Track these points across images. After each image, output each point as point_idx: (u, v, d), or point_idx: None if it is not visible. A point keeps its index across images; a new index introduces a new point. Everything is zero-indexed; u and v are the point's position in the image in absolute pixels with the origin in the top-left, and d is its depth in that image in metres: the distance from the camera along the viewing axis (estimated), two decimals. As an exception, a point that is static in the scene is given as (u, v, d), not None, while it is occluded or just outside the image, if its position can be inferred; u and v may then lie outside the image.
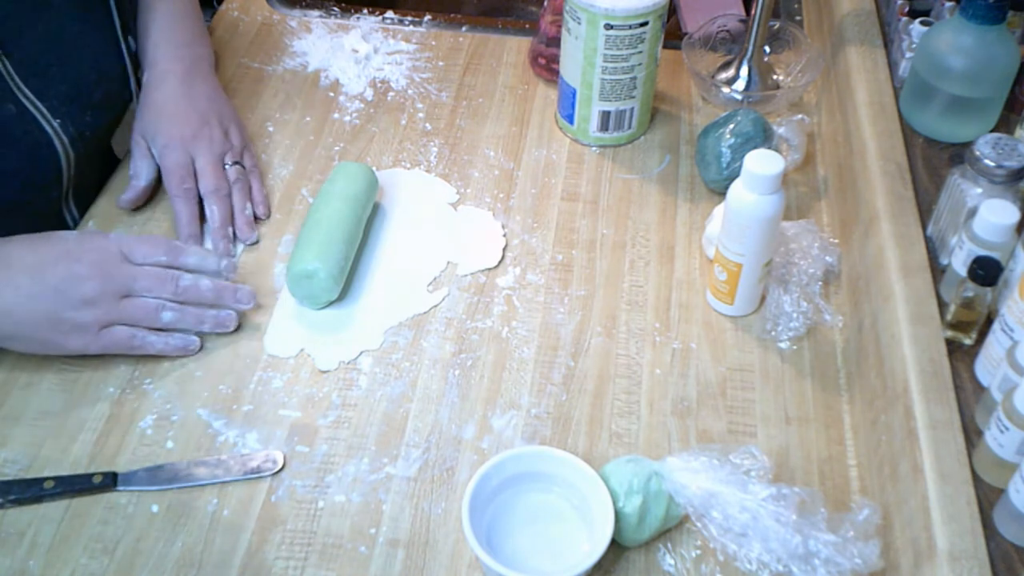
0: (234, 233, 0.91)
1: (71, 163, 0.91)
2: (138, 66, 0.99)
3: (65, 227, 0.93)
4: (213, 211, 0.90)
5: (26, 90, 0.85)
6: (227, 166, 0.93)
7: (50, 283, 0.75)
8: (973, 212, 0.73)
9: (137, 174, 0.92)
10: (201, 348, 0.82)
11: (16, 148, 0.86)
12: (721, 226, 0.82)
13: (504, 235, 0.93)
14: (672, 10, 1.20)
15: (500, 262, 0.90)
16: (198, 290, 0.81)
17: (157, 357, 0.81)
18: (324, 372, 0.81)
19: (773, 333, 0.84)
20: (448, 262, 0.90)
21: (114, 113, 0.98)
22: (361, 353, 0.82)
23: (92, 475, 0.73)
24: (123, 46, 0.96)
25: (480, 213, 0.95)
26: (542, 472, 0.71)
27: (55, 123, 0.88)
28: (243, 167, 0.94)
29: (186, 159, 0.91)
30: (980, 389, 0.70)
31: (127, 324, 0.79)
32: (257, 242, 0.91)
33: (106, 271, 0.77)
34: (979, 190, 0.75)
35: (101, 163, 0.98)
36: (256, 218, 0.93)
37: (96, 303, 0.76)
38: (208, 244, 0.90)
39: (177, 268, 0.81)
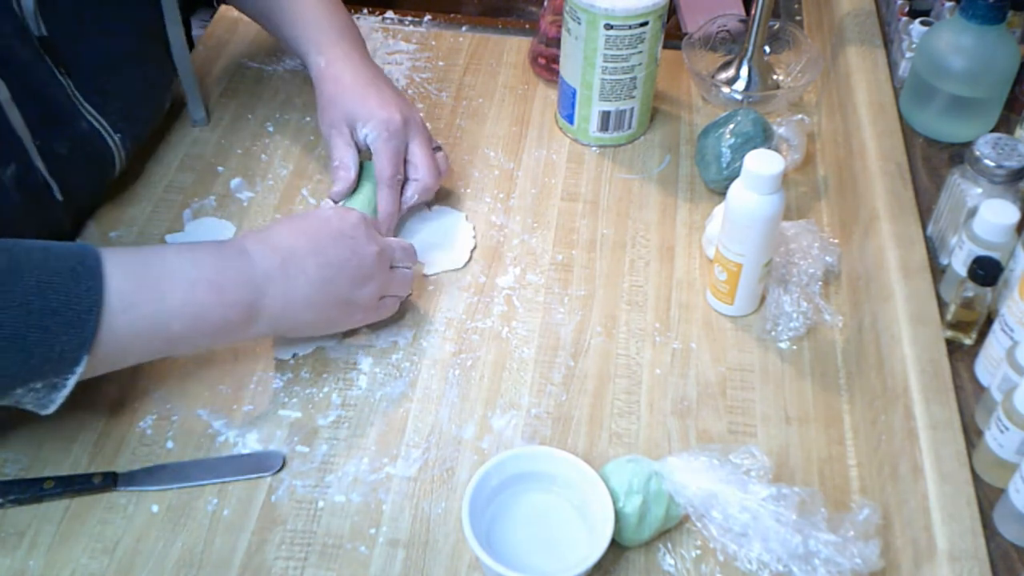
0: None
1: (120, 175, 0.93)
2: (176, 72, 0.99)
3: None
4: (414, 198, 0.90)
5: (89, 107, 0.85)
6: (438, 153, 0.93)
7: (336, 264, 0.75)
8: (973, 212, 0.73)
9: (345, 164, 0.89)
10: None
11: (90, 165, 0.88)
12: (721, 226, 0.82)
13: (474, 237, 0.93)
14: (672, 10, 1.20)
15: (467, 263, 0.90)
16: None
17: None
18: (280, 361, 0.81)
19: (773, 333, 0.84)
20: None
21: (157, 122, 0.99)
22: (315, 348, 0.82)
23: (92, 475, 0.73)
24: (170, 55, 0.97)
25: (453, 214, 0.95)
26: (542, 472, 0.71)
27: (116, 137, 0.89)
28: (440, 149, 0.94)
29: (402, 146, 0.90)
30: (980, 389, 0.70)
31: (392, 295, 0.81)
32: None
33: (378, 241, 0.78)
34: (979, 190, 0.75)
35: None
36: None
37: (375, 277, 0.78)
38: None
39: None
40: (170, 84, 0.99)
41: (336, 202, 0.89)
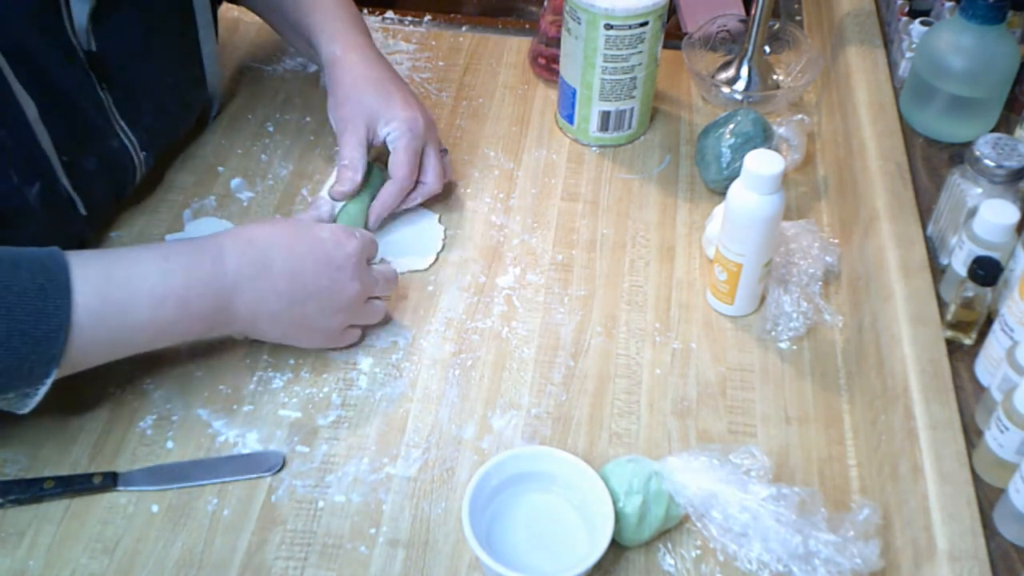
0: None
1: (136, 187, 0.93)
2: (205, 92, 0.99)
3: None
4: (417, 199, 0.91)
5: (123, 123, 0.85)
6: (444, 157, 0.93)
7: (311, 290, 0.75)
8: (973, 212, 0.73)
9: (354, 165, 0.87)
10: (204, 347, 0.82)
11: (113, 180, 0.88)
12: (721, 226, 0.82)
13: (443, 239, 0.92)
14: (672, 10, 1.20)
15: (432, 265, 0.90)
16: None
17: (156, 357, 0.81)
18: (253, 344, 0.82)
19: (773, 333, 0.84)
20: (380, 259, 0.89)
21: (178, 137, 0.99)
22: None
23: (92, 475, 0.73)
24: (203, 73, 0.97)
25: (426, 215, 0.95)
26: (542, 472, 0.71)
27: (142, 155, 0.89)
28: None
29: (421, 150, 0.89)
30: (980, 389, 0.70)
31: (360, 324, 0.81)
32: None
33: (363, 279, 0.77)
34: (979, 190, 0.75)
35: None
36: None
37: (346, 311, 0.78)
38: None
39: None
40: (198, 104, 0.99)
41: (335, 200, 0.88)
